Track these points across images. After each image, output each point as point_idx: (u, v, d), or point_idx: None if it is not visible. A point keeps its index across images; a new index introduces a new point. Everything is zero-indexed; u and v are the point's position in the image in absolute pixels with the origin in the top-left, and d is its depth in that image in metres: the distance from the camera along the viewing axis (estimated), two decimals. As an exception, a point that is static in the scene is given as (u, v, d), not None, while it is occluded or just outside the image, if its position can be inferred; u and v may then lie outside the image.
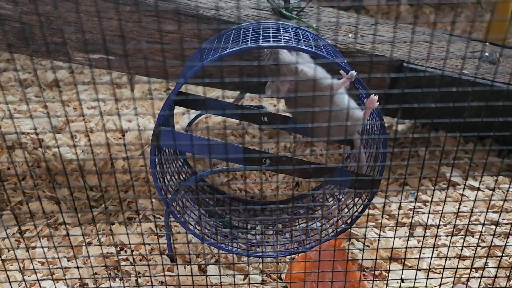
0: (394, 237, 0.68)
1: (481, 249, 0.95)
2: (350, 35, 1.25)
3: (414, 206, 0.66)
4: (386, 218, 1.06)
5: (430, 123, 1.30)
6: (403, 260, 0.92)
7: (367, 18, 1.45)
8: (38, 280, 0.76)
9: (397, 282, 0.88)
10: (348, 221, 0.92)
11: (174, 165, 1.01)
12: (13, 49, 1.12)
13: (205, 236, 0.89)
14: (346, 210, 0.97)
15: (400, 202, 0.63)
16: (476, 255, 0.93)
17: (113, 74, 1.74)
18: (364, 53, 1.18)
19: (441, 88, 0.55)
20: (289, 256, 0.95)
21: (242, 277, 0.91)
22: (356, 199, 0.93)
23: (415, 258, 0.77)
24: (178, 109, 1.46)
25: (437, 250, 0.97)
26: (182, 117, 1.45)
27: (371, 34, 1.27)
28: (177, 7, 1.09)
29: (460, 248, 0.93)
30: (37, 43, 1.10)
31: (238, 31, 0.87)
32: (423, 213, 1.09)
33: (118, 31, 1.09)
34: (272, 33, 0.79)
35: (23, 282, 0.86)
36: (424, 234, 0.68)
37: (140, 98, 1.57)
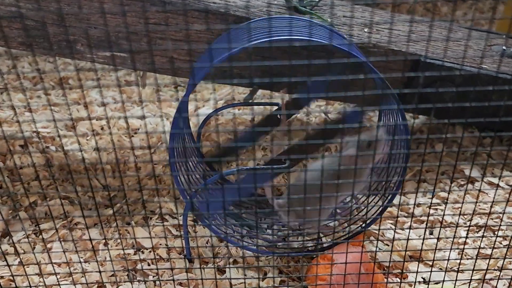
0: (424, 238, 0.67)
1: (504, 248, 0.93)
2: (365, 30, 1.23)
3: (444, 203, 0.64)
4: (404, 217, 1.05)
5: (447, 119, 1.29)
6: (427, 260, 0.90)
7: (381, 12, 1.43)
8: (58, 283, 0.75)
9: (419, 283, 0.87)
10: (368, 222, 0.91)
11: (191, 165, 0.99)
12: (26, 47, 1.10)
13: (230, 237, 0.87)
14: (364, 210, 0.96)
15: (432, 202, 0.61)
16: (500, 254, 0.92)
17: (122, 70, 1.72)
18: (380, 48, 1.16)
19: (477, 87, 0.53)
20: (309, 257, 0.94)
21: (262, 277, 0.90)
22: (374, 200, 0.92)
23: (443, 260, 0.76)
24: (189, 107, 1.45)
25: (458, 248, 0.95)
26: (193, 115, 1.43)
27: (387, 28, 1.24)
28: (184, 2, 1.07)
29: (484, 247, 0.92)
30: (49, 41, 1.08)
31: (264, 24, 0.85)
32: (441, 210, 1.07)
33: (131, 27, 1.07)
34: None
35: (42, 285, 0.85)
36: (457, 235, 0.66)
37: (149, 96, 1.56)
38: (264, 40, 0.69)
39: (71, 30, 1.07)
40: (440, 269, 0.91)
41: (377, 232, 1.00)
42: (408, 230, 1.01)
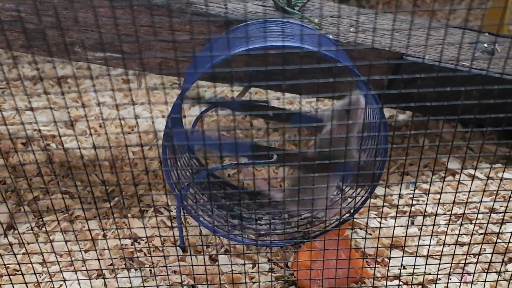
0: (394, 226, 0.72)
1: (479, 235, 0.99)
2: (351, 29, 1.27)
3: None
4: (387, 207, 1.11)
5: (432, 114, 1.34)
6: (403, 248, 0.96)
7: (368, 10, 1.48)
8: (61, 271, 0.81)
9: (398, 269, 0.93)
10: (351, 211, 0.96)
11: (183, 161, 1.05)
12: (26, 50, 1.15)
13: (217, 228, 0.93)
14: (349, 200, 1.01)
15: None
16: (473, 241, 0.98)
17: (119, 70, 1.77)
18: (365, 46, 1.21)
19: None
20: (295, 245, 1.00)
21: (251, 265, 0.96)
22: (358, 191, 0.97)
23: (414, 245, 0.81)
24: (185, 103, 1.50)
25: (436, 237, 1.01)
26: (189, 111, 1.49)
27: (372, 27, 1.29)
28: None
29: (458, 235, 0.98)
30: (48, 43, 1.13)
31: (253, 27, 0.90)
32: (423, 201, 1.13)
33: (126, 29, 1.12)
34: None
35: (45, 274, 0.91)
36: (423, 222, 0.72)
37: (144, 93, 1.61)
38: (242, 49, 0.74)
39: (69, 33, 1.12)
40: (420, 256, 0.97)
41: (361, 222, 1.06)
42: (390, 220, 1.07)
